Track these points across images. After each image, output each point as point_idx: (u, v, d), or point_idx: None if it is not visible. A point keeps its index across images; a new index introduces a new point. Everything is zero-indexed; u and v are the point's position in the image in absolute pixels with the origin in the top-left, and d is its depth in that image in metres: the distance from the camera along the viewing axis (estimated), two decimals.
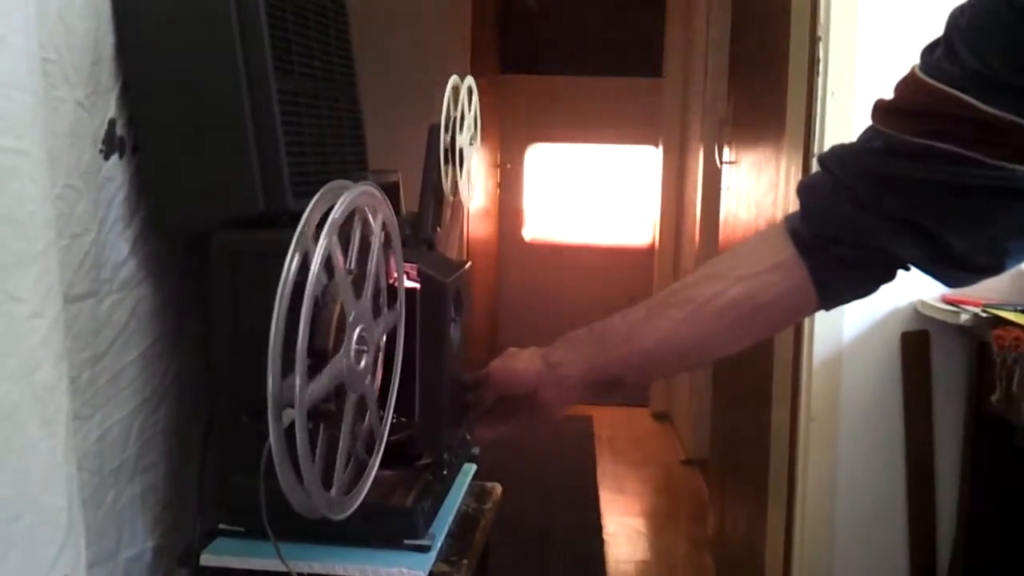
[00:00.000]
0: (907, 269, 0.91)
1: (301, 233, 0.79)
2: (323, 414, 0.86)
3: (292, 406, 0.79)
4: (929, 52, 0.83)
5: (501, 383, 1.08)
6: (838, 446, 2.07)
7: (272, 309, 0.77)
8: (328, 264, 0.82)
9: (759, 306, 0.94)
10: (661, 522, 3.59)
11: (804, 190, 0.94)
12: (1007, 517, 1.94)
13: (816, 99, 1.99)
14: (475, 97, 1.48)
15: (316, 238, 0.80)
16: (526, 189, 5.97)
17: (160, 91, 1.03)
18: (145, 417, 1.10)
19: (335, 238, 0.82)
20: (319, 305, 0.82)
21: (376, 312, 0.93)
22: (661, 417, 4.88)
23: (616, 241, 5.90)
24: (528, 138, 5.88)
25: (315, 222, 0.81)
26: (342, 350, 0.85)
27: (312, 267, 0.79)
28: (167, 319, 1.14)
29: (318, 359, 0.83)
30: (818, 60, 1.99)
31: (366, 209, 0.90)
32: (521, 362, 1.06)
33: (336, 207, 0.83)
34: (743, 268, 0.95)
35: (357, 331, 0.87)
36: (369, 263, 0.91)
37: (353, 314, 0.86)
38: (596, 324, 1.03)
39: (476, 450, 1.36)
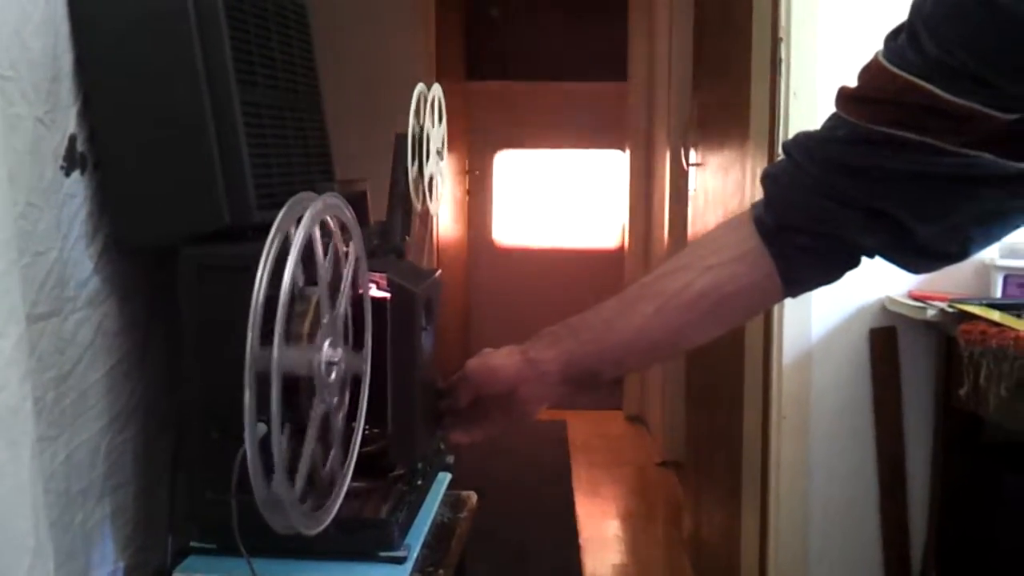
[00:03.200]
0: (871, 256, 0.91)
1: (279, 225, 0.79)
2: (295, 424, 0.85)
3: (266, 421, 0.79)
4: (892, 39, 0.83)
5: (479, 382, 1.07)
6: (810, 443, 2.08)
7: (239, 324, 0.76)
8: (304, 264, 0.82)
9: (727, 296, 0.95)
10: (637, 525, 3.60)
11: (768, 178, 0.94)
12: (977, 509, 1.97)
13: (779, 99, 2.01)
14: (441, 105, 1.48)
15: (285, 252, 0.80)
16: (495, 195, 5.97)
17: (121, 106, 1.02)
18: (113, 436, 1.09)
19: (317, 230, 0.82)
20: (295, 298, 0.81)
21: (345, 325, 0.93)
22: (635, 420, 4.89)
23: (585, 244, 5.91)
24: (496, 144, 5.89)
25: (287, 228, 0.81)
26: (316, 341, 0.84)
27: (290, 256, 0.79)
28: (133, 336, 1.13)
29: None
30: (780, 60, 2.00)
31: (331, 221, 0.90)
32: (499, 359, 1.06)
33: (303, 218, 0.82)
34: (710, 258, 0.96)
35: (327, 342, 0.87)
36: (343, 279, 0.91)
37: (327, 319, 0.86)
38: (571, 319, 1.03)
39: (450, 459, 1.35)
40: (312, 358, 0.84)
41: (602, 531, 3.50)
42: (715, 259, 0.96)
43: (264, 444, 0.79)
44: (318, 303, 0.85)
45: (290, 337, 0.82)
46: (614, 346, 1.00)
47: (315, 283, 0.86)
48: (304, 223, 0.82)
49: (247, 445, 0.76)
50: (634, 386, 4.90)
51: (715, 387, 2.70)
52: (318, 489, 0.91)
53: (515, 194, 5.99)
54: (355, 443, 0.97)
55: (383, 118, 1.84)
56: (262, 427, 0.78)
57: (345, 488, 0.94)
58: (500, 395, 1.06)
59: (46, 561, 0.84)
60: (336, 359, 0.89)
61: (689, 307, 0.96)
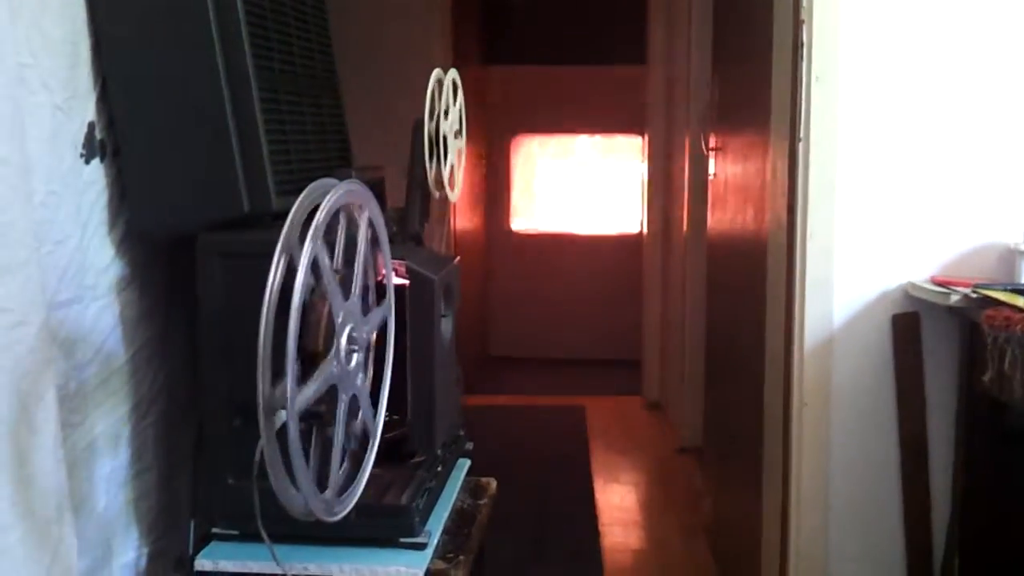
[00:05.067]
0: None
1: (286, 237, 0.78)
2: (315, 416, 0.85)
3: (284, 409, 0.79)
4: None
5: None
6: (831, 430, 2.07)
7: (260, 310, 0.76)
8: (315, 266, 0.81)
9: None
10: (657, 511, 3.60)
11: None
12: (1000, 495, 1.95)
13: (801, 83, 1.98)
14: (459, 89, 1.47)
15: (302, 241, 0.79)
16: (513, 180, 5.96)
17: (139, 93, 1.02)
18: (135, 422, 1.09)
19: (320, 241, 0.82)
20: (307, 308, 0.81)
21: (365, 309, 0.92)
22: (654, 406, 4.88)
23: (604, 230, 5.89)
24: (513, 129, 5.87)
25: (300, 223, 0.81)
26: (332, 352, 0.84)
27: (299, 272, 0.78)
28: (154, 323, 1.13)
29: (308, 361, 0.82)
30: (802, 44, 1.98)
31: (352, 207, 0.89)
32: None
33: (321, 208, 0.82)
34: None
35: (347, 331, 0.86)
36: (356, 262, 0.90)
37: (342, 315, 0.86)
38: None
39: (470, 445, 1.35)
40: (329, 373, 0.83)
41: (622, 517, 3.50)
42: None
43: (284, 432, 0.79)
44: (330, 310, 0.84)
45: (306, 323, 0.81)
46: None
47: (338, 268, 0.86)
48: (323, 210, 0.81)
49: (263, 436, 0.76)
50: (653, 372, 4.89)
51: (736, 374, 2.69)
52: (340, 477, 0.90)
53: (533, 180, 5.97)
54: (376, 432, 0.96)
55: (400, 104, 1.84)
56: (281, 415, 0.78)
57: (367, 476, 0.94)
58: None
59: (69, 548, 0.85)
60: (356, 346, 0.88)
61: None
